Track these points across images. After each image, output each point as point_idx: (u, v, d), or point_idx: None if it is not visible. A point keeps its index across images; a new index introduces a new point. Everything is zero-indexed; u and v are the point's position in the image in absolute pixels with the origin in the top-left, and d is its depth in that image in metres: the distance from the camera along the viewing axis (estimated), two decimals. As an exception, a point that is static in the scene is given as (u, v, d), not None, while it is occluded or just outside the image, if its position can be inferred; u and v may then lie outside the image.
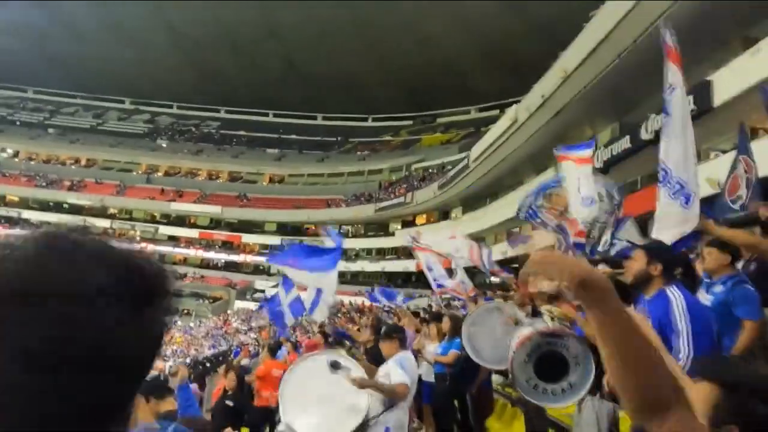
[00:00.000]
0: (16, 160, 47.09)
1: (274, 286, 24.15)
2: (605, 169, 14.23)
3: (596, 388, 2.78)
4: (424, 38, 42.49)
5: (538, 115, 18.98)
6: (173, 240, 43.27)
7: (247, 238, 42.63)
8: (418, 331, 6.40)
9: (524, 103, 20.46)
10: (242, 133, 52.19)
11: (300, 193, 42.92)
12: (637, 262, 2.55)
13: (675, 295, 2.42)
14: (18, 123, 50.78)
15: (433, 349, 5.32)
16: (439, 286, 8.73)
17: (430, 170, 37.53)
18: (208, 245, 43.15)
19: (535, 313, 4.16)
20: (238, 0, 42.26)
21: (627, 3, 12.88)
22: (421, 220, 35.40)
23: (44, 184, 43.83)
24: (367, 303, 21.66)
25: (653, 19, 11.62)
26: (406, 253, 34.97)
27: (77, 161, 47.16)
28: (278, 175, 46.35)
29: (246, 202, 43.30)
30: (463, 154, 30.32)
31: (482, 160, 25.11)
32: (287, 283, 9.31)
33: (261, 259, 39.72)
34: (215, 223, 43.55)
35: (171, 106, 55.21)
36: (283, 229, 41.93)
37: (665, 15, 11.13)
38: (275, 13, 43.36)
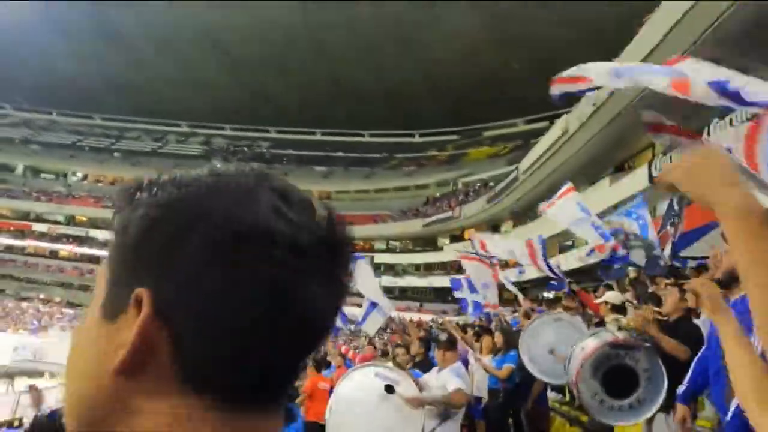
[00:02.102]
0: (85, 182, 50.24)
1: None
2: (664, 179, 13.60)
3: (668, 405, 2.59)
4: (468, 52, 42.38)
5: (590, 125, 18.42)
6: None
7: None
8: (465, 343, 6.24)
9: (575, 112, 19.92)
10: (291, 151, 53.53)
11: (347, 210, 43.32)
12: (731, 258, 2.31)
13: None
14: (87, 148, 54.25)
15: (487, 362, 5.16)
16: (477, 306, 8.42)
17: (478, 184, 37.13)
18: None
19: (598, 325, 3.96)
20: (287, 22, 43.74)
21: (683, 4, 12.36)
22: (469, 234, 34.93)
23: (110, 204, 46.35)
24: (416, 318, 21.42)
25: (711, 20, 11.10)
26: (455, 267, 34.54)
27: (139, 182, 49.69)
28: (326, 191, 47.10)
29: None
30: (511, 167, 29.82)
31: (532, 173, 24.60)
32: None
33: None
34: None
35: (224, 128, 57.45)
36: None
37: (721, 18, 10.62)
38: (322, 33, 44.55)
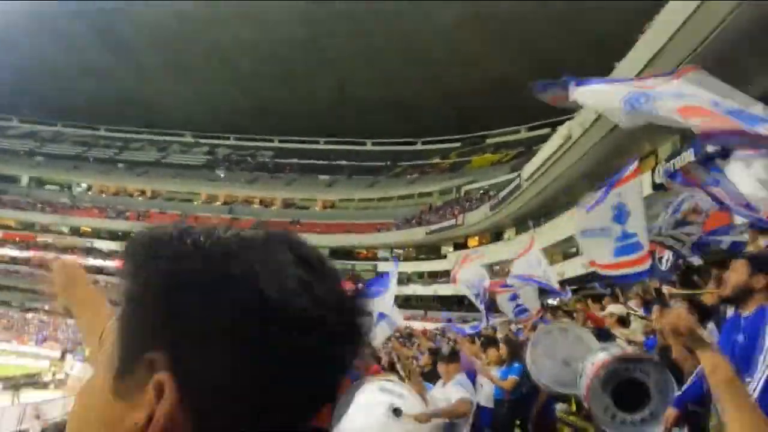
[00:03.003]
0: (90, 193, 50.46)
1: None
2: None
3: (682, 418, 2.56)
4: (469, 60, 42.56)
5: (593, 131, 18.42)
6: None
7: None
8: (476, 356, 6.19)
9: (578, 119, 19.94)
10: (295, 160, 53.70)
11: (351, 218, 43.41)
12: (738, 274, 2.24)
13: None
14: (91, 159, 54.53)
15: (494, 374, 5.13)
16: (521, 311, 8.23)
17: (481, 191, 37.12)
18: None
19: (605, 336, 3.93)
20: (289, 32, 44.07)
21: (685, 10, 12.36)
22: (473, 242, 34.87)
23: (113, 215, 46.61)
24: (421, 327, 21.34)
25: (715, 24, 11.10)
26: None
27: (143, 193, 49.96)
28: (329, 200, 47.18)
29: (299, 228, 44.21)
30: (514, 174, 29.81)
31: (535, 179, 24.57)
32: None
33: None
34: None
35: (228, 138, 57.71)
36: (335, 253, 42.41)
37: (728, 17, 10.62)
38: (324, 43, 44.85)
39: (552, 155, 22.39)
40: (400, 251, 39.90)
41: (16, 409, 13.48)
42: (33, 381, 21.22)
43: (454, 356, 3.57)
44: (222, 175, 52.18)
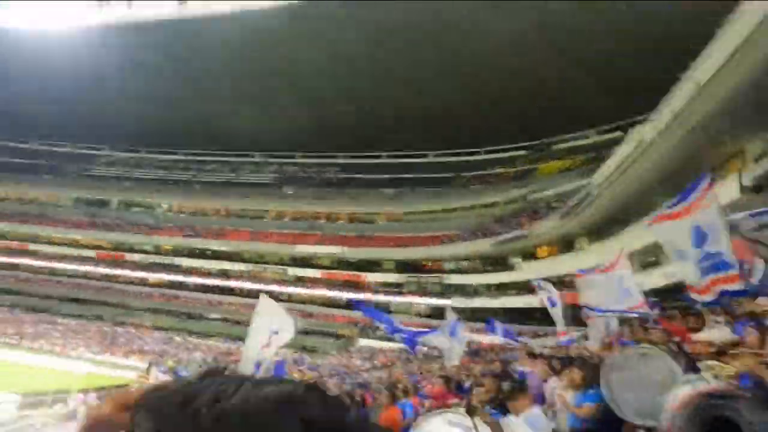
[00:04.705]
0: (170, 213, 53.93)
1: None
2: (757, 188, 12.45)
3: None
4: (531, 66, 41.57)
5: (669, 134, 17.36)
6: (300, 280, 45.93)
7: (367, 277, 43.82)
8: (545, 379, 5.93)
9: (651, 121, 18.90)
10: (359, 175, 54.61)
11: (416, 231, 43.40)
12: None
13: None
14: (171, 182, 58.36)
15: (569, 399, 4.87)
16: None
17: (549, 200, 35.91)
18: (331, 284, 45.08)
19: (693, 367, 3.62)
20: (350, 50, 45.19)
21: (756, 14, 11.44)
22: (542, 252, 33.74)
23: (191, 233, 49.45)
24: (487, 341, 20.78)
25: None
26: (528, 287, 33.40)
27: (218, 212, 52.72)
28: (394, 213, 47.47)
29: (365, 242, 44.77)
30: (584, 181, 28.63)
31: (608, 186, 23.46)
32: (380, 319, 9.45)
33: (382, 298, 40.55)
34: (337, 263, 45.50)
35: (294, 156, 59.76)
36: (401, 266, 42.51)
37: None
38: (384, 59, 45.54)
39: (625, 160, 21.32)
40: (466, 263, 39.33)
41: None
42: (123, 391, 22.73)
43: (521, 388, 3.40)
44: (290, 192, 54.02)
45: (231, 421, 0.38)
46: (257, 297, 7.10)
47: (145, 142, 60.57)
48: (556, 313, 10.75)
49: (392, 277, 41.96)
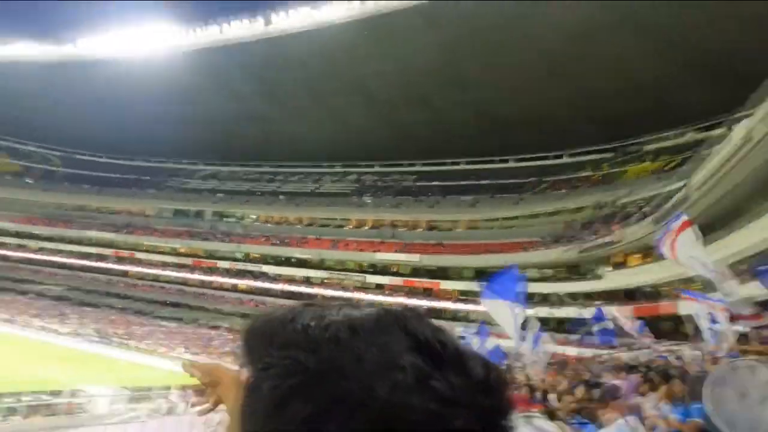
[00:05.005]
0: (258, 223, 56.93)
1: (475, 333, 23.98)
2: None
3: None
4: (615, 63, 39.38)
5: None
6: (380, 288, 46.52)
7: (446, 285, 43.48)
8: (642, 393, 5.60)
9: (758, 115, 17.24)
10: (437, 183, 54.52)
11: (496, 238, 42.48)
12: None
13: None
14: (258, 193, 61.71)
15: (668, 414, 4.58)
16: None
17: (640, 204, 33.72)
18: (411, 292, 45.22)
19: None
20: (426, 59, 45.42)
21: None
22: (634, 260, 31.70)
23: (277, 242, 51.83)
24: (574, 352, 19.83)
25: None
26: (618, 297, 31.54)
27: (301, 221, 54.91)
28: (473, 220, 46.82)
29: (444, 250, 44.50)
30: (680, 183, 26.61)
31: (708, 189, 21.64)
32: (483, 331, 9.32)
33: (460, 306, 40.05)
34: (416, 271, 45.58)
35: (373, 166, 60.90)
36: (480, 274, 41.75)
37: None
38: (460, 63, 45.27)
39: (729, 159, 19.55)
40: (551, 271, 37.84)
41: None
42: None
43: (611, 395, 3.26)
44: (369, 201, 55.05)
45: (339, 331, 0.39)
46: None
47: (234, 156, 64.57)
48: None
49: (472, 285, 41.30)
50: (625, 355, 14.36)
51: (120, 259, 55.41)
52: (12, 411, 14.09)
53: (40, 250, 56.87)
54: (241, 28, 51.72)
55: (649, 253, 30.51)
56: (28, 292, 49.49)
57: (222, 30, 52.60)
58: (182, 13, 52.86)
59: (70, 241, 56.40)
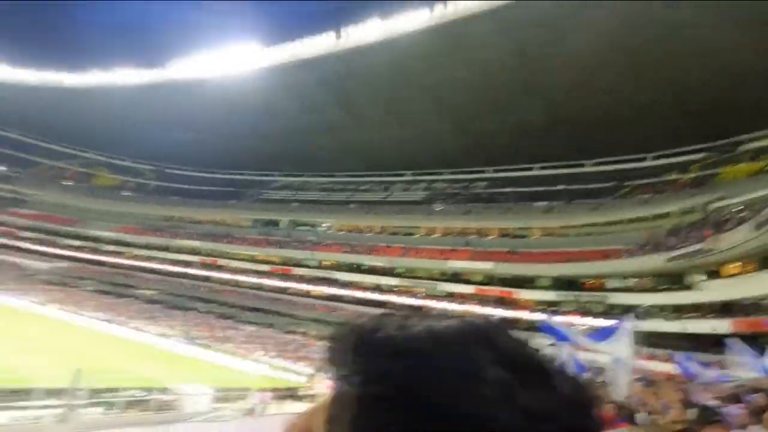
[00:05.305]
0: (330, 231, 58.31)
1: (550, 345, 23.00)
2: None
3: None
4: (707, 53, 36.51)
5: None
6: (451, 296, 45.90)
7: (520, 294, 42.12)
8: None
9: None
10: (509, 189, 53.19)
11: (572, 245, 40.63)
12: None
13: None
14: (331, 202, 63.33)
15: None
16: None
17: (736, 208, 30.94)
18: (483, 301, 44.23)
19: None
20: (499, 65, 44.58)
21: None
22: (732, 269, 29.06)
23: (348, 249, 52.73)
24: (666, 370, 18.41)
25: None
26: (713, 309, 29.11)
27: (371, 229, 55.56)
28: (548, 228, 45.11)
29: (517, 257, 43.19)
30: (785, 185, 24.12)
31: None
32: (561, 338, 8.91)
33: (536, 316, 38.55)
34: (489, 279, 44.55)
35: (443, 173, 60.52)
36: (558, 283, 40.06)
37: None
38: (532, 68, 43.98)
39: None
40: (634, 280, 35.59)
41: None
42: (292, 394, 24.98)
43: (717, 418, 2.95)
44: (439, 209, 54.69)
45: (423, 342, 0.38)
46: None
47: (311, 167, 66.73)
48: None
49: (548, 295, 39.69)
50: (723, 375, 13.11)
51: (204, 266, 58.81)
52: (110, 405, 15.23)
53: (134, 257, 61.69)
54: (315, 44, 53.52)
55: (750, 260, 27.87)
56: (124, 296, 53.71)
57: (299, 46, 54.73)
58: (261, 33, 55.83)
59: (160, 249, 60.71)
